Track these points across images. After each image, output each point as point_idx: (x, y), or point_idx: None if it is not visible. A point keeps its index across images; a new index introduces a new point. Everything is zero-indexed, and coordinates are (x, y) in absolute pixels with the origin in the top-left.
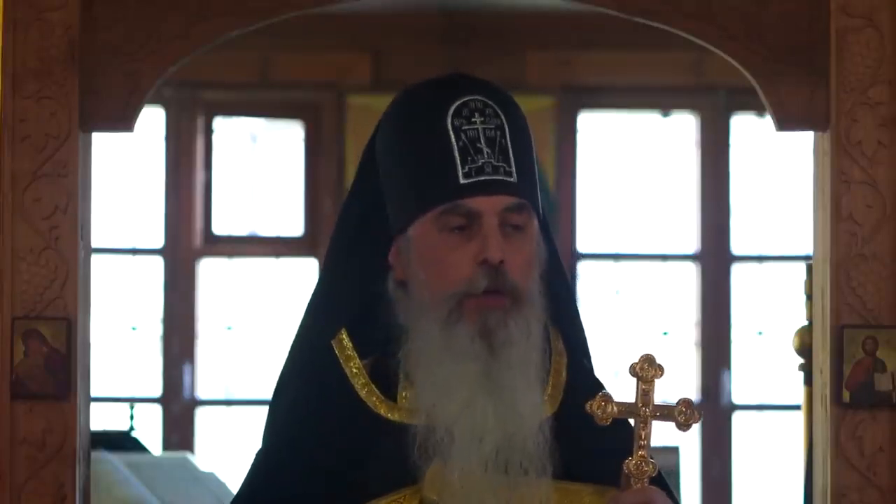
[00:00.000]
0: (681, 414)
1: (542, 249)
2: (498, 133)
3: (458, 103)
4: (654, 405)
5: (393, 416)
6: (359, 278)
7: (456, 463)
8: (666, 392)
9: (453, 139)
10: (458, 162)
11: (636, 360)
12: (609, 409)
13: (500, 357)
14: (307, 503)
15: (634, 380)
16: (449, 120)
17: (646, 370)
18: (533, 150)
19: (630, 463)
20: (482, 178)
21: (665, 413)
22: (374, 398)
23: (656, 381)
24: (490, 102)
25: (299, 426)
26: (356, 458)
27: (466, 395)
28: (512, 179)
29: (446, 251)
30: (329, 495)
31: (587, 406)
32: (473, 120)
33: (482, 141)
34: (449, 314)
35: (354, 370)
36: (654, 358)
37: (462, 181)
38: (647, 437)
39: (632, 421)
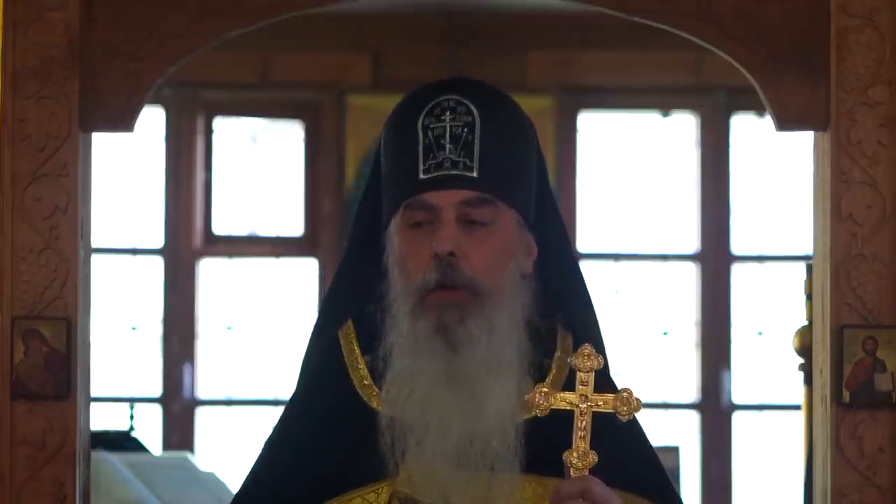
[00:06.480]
0: (621, 403)
1: (524, 245)
2: (465, 130)
3: (432, 103)
4: (592, 396)
5: (382, 408)
6: (365, 278)
7: (423, 454)
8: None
9: (421, 137)
10: (421, 159)
11: (574, 353)
12: (548, 401)
13: (461, 355)
14: (298, 491)
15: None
16: (421, 119)
17: (583, 361)
18: (525, 149)
19: (571, 454)
20: (440, 173)
21: (605, 403)
22: (370, 391)
23: (594, 371)
24: (465, 101)
25: (297, 416)
26: (347, 448)
27: (425, 390)
28: (472, 174)
29: (409, 246)
30: (317, 483)
31: (527, 398)
32: (443, 118)
33: (447, 138)
34: (413, 308)
35: (356, 363)
36: (591, 349)
37: (421, 177)
38: (587, 427)
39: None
